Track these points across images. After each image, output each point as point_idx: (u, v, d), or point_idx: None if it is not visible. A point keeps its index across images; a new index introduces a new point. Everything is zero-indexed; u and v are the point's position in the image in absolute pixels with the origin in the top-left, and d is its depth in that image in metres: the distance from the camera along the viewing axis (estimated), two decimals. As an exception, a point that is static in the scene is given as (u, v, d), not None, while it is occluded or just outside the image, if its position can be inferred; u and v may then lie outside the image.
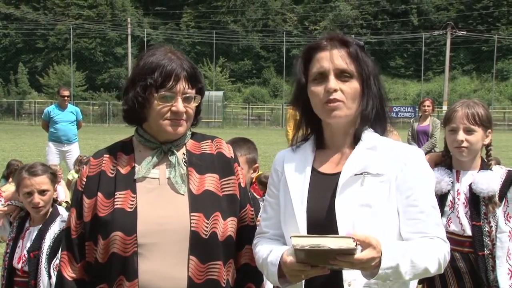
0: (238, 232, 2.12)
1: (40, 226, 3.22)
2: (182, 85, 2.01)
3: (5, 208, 3.41)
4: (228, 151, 2.18)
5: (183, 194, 2.02)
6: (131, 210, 1.97)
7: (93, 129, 32.54)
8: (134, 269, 1.93)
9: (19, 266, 3.19)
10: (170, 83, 1.98)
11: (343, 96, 1.86)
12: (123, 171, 2.05)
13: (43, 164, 3.39)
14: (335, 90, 1.85)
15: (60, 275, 2.09)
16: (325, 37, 1.94)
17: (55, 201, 3.37)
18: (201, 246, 1.98)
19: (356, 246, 1.58)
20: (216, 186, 2.07)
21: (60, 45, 57.11)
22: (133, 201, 1.99)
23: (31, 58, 57.43)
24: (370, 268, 1.64)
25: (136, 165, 2.06)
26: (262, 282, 2.22)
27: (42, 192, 3.21)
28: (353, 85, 1.87)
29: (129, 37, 54.28)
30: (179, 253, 1.96)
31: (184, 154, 2.11)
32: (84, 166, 2.16)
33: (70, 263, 2.07)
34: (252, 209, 2.24)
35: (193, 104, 2.06)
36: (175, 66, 2.01)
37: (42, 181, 3.21)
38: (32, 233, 3.24)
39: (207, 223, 1.99)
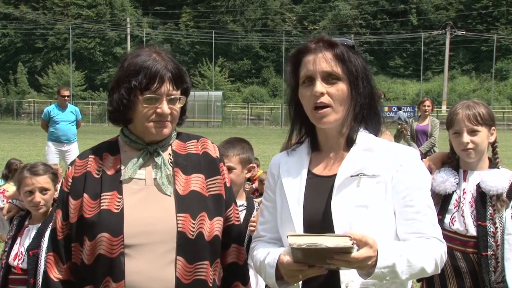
0: (224, 231, 2.13)
1: (40, 224, 3.22)
2: (167, 87, 2.00)
3: (3, 206, 3.41)
4: (214, 151, 2.19)
5: (169, 195, 2.02)
6: (118, 211, 1.97)
7: (92, 129, 32.51)
8: (121, 270, 1.93)
9: (15, 263, 3.18)
10: (155, 85, 1.98)
11: (331, 99, 1.87)
12: (109, 172, 2.05)
13: (45, 164, 3.40)
14: (322, 94, 1.86)
15: (46, 276, 2.08)
16: (313, 40, 1.94)
17: (55, 200, 3.38)
18: (188, 247, 1.98)
19: (352, 244, 1.58)
20: (202, 186, 2.08)
21: (59, 45, 57.05)
22: (119, 202, 1.99)
23: (30, 57, 57.37)
24: (366, 267, 1.65)
25: (122, 166, 2.06)
26: (249, 281, 2.24)
27: (43, 191, 3.21)
28: (340, 87, 1.88)
29: (128, 37, 54.30)
30: (166, 253, 1.97)
31: (170, 154, 2.11)
32: (70, 167, 2.15)
33: (57, 264, 2.07)
34: (238, 208, 2.25)
35: (178, 105, 2.06)
36: (159, 67, 1.99)
37: (44, 180, 3.22)
38: (31, 231, 3.24)
39: (194, 224, 2.00)
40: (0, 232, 3.59)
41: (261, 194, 5.25)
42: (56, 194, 3.33)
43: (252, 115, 48.55)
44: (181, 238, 1.97)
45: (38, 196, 3.20)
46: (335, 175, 1.88)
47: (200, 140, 2.20)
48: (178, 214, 1.99)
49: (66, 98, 10.53)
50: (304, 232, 1.83)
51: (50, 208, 3.28)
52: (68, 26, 52.26)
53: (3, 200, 3.44)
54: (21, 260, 3.17)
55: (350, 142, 1.94)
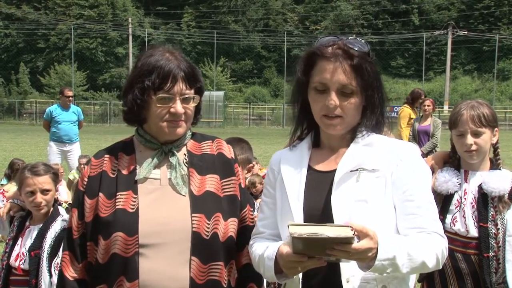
0: (239, 232, 2.13)
1: (41, 225, 3.22)
2: (180, 86, 2.00)
3: (2, 206, 3.42)
4: (229, 152, 2.19)
5: (184, 195, 2.03)
6: (133, 210, 1.98)
7: (94, 129, 32.55)
8: (135, 269, 1.94)
9: (17, 264, 3.19)
10: (168, 84, 1.98)
11: (343, 112, 1.87)
12: (124, 171, 2.06)
13: (46, 164, 3.41)
14: (335, 107, 1.86)
15: (61, 275, 2.09)
16: (330, 44, 1.89)
17: (55, 201, 3.38)
18: (203, 247, 1.98)
19: (353, 235, 1.58)
20: (217, 186, 2.08)
21: (61, 45, 57.07)
22: (134, 201, 2.00)
23: (32, 58, 57.39)
24: (367, 259, 1.64)
25: (137, 165, 2.06)
26: (263, 282, 2.24)
27: (44, 192, 3.22)
28: (354, 101, 1.88)
29: (130, 37, 54.27)
30: (180, 253, 1.97)
31: (185, 154, 2.11)
32: (85, 166, 2.16)
33: (72, 263, 2.08)
34: (252, 209, 2.26)
35: (192, 104, 2.06)
36: (172, 67, 2.00)
37: (45, 180, 3.22)
38: (32, 231, 3.24)
39: (208, 224, 2.00)
40: (0, 233, 3.60)
41: (251, 194, 5.25)
42: (57, 194, 3.34)
43: (253, 115, 48.55)
44: (196, 238, 1.98)
45: (39, 197, 3.20)
46: (335, 170, 1.89)
47: (215, 141, 2.20)
48: (193, 214, 1.99)
49: (70, 98, 10.59)
50: None
51: (51, 209, 3.29)
52: (70, 26, 52.25)
53: (3, 201, 3.44)
54: (23, 261, 3.17)
55: (351, 140, 1.95)
